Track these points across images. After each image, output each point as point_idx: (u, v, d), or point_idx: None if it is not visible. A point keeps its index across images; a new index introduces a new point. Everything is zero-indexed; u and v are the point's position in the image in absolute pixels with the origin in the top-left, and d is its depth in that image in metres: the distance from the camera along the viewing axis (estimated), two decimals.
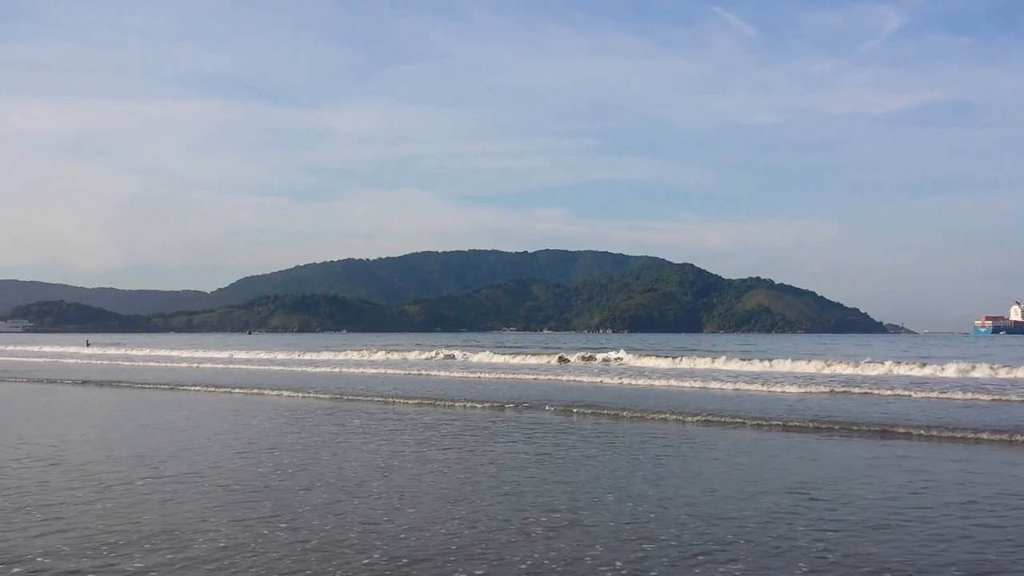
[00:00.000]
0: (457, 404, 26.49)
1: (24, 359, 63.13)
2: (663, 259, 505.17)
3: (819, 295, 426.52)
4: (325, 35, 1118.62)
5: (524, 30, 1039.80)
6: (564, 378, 38.76)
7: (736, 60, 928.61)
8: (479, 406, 25.72)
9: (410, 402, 27.18)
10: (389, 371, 44.92)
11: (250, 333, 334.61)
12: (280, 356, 62.39)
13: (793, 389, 31.00)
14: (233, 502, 11.67)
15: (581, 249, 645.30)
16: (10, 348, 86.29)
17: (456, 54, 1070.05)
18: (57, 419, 22.87)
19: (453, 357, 56.68)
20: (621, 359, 51.01)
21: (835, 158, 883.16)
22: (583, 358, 51.93)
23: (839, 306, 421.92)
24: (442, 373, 42.60)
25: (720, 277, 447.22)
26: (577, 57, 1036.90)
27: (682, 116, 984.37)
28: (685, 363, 46.30)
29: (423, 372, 43.46)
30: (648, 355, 52.52)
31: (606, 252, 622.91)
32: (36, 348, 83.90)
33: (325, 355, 62.70)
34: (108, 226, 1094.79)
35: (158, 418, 22.95)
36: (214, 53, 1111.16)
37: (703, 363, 45.72)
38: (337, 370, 46.68)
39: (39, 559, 8.86)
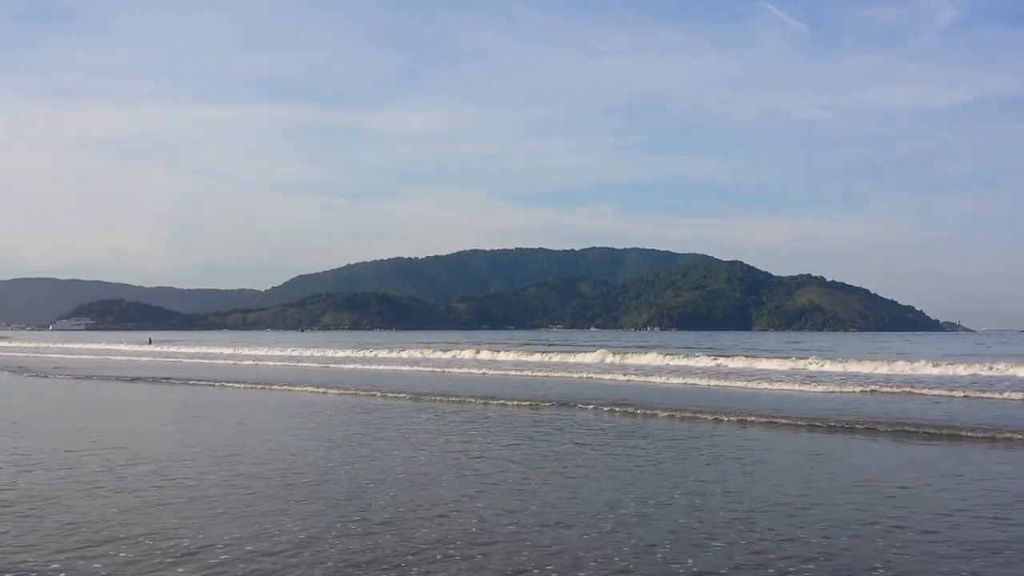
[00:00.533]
0: (499, 402, 26.58)
1: (103, 357, 63.99)
2: (711, 256, 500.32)
3: (872, 292, 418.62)
4: (377, 38, 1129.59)
5: (571, 29, 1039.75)
6: (607, 377, 38.54)
7: (785, 55, 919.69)
8: (520, 404, 25.76)
9: (477, 401, 27.24)
10: (448, 370, 45.09)
11: (303, 331, 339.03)
12: (349, 354, 62.94)
13: (846, 389, 30.61)
14: (310, 496, 11.95)
15: (628, 247, 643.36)
16: (81, 346, 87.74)
17: (504, 54, 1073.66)
18: (141, 415, 23.41)
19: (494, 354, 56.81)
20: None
21: (889, 153, 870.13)
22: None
23: (893, 303, 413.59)
24: (494, 372, 42.79)
25: (770, 274, 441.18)
26: (624, 55, 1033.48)
27: (731, 112, 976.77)
28: (733, 362, 45.50)
29: (478, 371, 43.67)
30: (694, 354, 51.93)
31: (653, 249, 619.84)
32: (108, 346, 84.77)
33: (382, 353, 63.10)
34: (167, 227, 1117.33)
35: (231, 414, 23.49)
36: (270, 57, 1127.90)
37: (748, 363, 44.94)
38: (406, 368, 46.91)
39: (121, 554, 9.09)
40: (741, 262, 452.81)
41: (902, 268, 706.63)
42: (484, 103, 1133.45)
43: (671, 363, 46.39)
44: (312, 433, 19.26)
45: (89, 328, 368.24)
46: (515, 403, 26.25)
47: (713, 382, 34.11)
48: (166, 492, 12.19)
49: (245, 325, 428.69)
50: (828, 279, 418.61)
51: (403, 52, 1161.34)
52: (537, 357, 51.87)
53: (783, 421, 21.28)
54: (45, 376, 42.25)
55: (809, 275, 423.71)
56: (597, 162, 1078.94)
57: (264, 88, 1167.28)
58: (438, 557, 8.94)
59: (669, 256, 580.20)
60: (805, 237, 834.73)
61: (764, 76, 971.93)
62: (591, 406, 24.74)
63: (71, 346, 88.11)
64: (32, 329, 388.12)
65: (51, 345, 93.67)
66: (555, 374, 40.64)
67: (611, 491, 12.43)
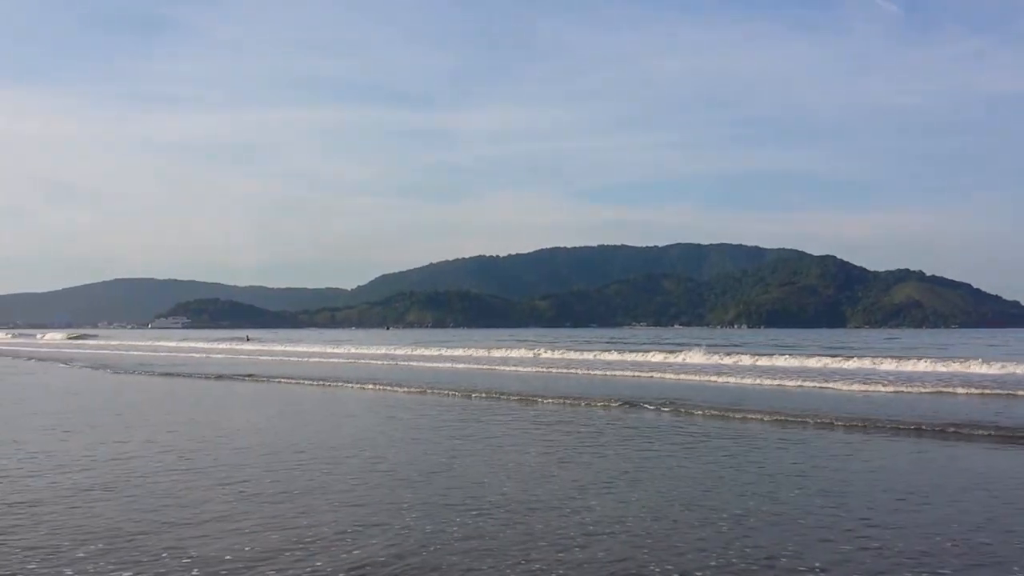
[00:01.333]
0: (584, 402, 26.45)
1: (206, 355, 65.76)
2: (802, 251, 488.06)
3: (975, 287, 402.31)
4: (453, 37, 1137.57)
5: (652, 20, 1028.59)
6: (687, 377, 37.94)
7: (879, 41, 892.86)
8: (601, 404, 25.53)
9: (548, 400, 27.23)
10: (538, 369, 45.15)
11: (388, 328, 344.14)
12: (441, 352, 63.43)
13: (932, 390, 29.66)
14: (426, 488, 12.28)
15: (713, 242, 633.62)
16: (192, 344, 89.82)
17: (583, 48, 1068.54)
18: (261, 411, 24.20)
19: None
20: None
21: (991, 141, 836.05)
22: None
23: (997, 299, 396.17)
24: (578, 371, 42.67)
25: (865, 269, 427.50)
26: (707, 45, 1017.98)
27: (821, 101, 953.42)
28: (847, 363, 43.42)
29: (561, 370, 43.62)
30: (784, 353, 50.58)
31: (740, 245, 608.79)
32: (210, 345, 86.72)
33: (471, 351, 63.46)
34: (257, 228, 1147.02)
35: (337, 411, 24.04)
36: (351, 60, 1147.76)
37: (853, 363, 43.32)
38: (513, 369, 46.83)
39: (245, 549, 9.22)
40: (834, 257, 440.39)
41: (1008, 261, 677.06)
42: (564, 99, 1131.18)
43: (784, 364, 44.86)
44: (413, 429, 19.78)
45: (185, 326, 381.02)
46: (603, 403, 26.12)
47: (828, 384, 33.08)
48: (279, 484, 12.65)
49: (333, 323, 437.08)
50: (928, 273, 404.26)
51: (480, 50, 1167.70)
52: (632, 356, 51.05)
53: (887, 424, 20.66)
54: (208, 379, 43.00)
55: (907, 269, 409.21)
56: (681, 156, 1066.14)
57: (346, 90, 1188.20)
58: (559, 555, 8.99)
59: (757, 252, 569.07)
60: (902, 230, 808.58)
61: (856, 63, 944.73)
62: (662, 408, 24.37)
63: (189, 344, 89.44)
64: (132, 327, 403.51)
65: (179, 343, 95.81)
66: (647, 373, 40.21)
67: (714, 490, 12.40)
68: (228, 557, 8.83)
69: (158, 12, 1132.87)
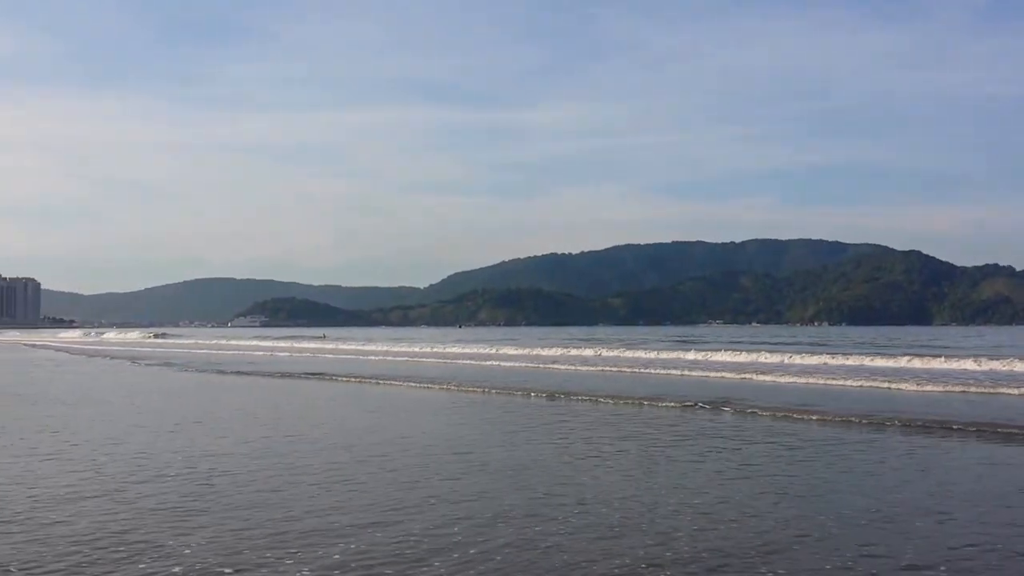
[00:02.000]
0: (655, 403, 24.21)
1: (295, 355, 64.61)
2: (885, 246, 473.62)
3: None
4: (525, 35, 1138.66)
5: (723, 12, 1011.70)
6: (757, 377, 34.95)
7: (962, 28, 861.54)
8: (684, 404, 23.33)
9: (670, 403, 24.85)
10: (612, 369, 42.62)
11: (460, 327, 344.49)
12: (514, 351, 61.44)
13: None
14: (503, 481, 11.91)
15: (792, 238, 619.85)
16: (274, 344, 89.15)
17: (655, 43, 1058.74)
18: (348, 410, 23.48)
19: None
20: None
21: None
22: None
23: None
24: (658, 371, 40.03)
25: (952, 264, 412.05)
26: (783, 36, 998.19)
27: (902, 92, 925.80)
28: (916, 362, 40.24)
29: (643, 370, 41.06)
30: (872, 353, 46.92)
31: (820, 240, 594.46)
32: (288, 344, 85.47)
33: (555, 351, 61.41)
34: (332, 228, 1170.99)
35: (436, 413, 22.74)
36: (422, 59, 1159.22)
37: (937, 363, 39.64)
38: (600, 368, 44.49)
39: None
40: (918, 252, 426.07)
41: None
42: (637, 95, 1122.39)
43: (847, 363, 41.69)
44: (501, 428, 18.96)
45: (263, 325, 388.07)
46: (686, 404, 23.82)
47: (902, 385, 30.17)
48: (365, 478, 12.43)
49: (406, 321, 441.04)
50: (1018, 268, 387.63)
51: (550, 48, 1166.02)
52: (718, 355, 47.73)
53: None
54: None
55: (996, 264, 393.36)
56: (756, 150, 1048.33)
57: (416, 90, 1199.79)
58: (668, 555, 8.69)
59: (838, 247, 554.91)
60: (990, 224, 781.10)
61: (939, 52, 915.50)
62: (726, 409, 22.35)
63: (272, 344, 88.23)
64: (212, 326, 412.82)
65: (260, 342, 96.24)
66: (716, 374, 37.29)
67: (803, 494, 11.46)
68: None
69: (235, 18, 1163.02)
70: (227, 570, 8.01)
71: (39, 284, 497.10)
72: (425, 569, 8.07)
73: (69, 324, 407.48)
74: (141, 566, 8.12)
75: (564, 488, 11.88)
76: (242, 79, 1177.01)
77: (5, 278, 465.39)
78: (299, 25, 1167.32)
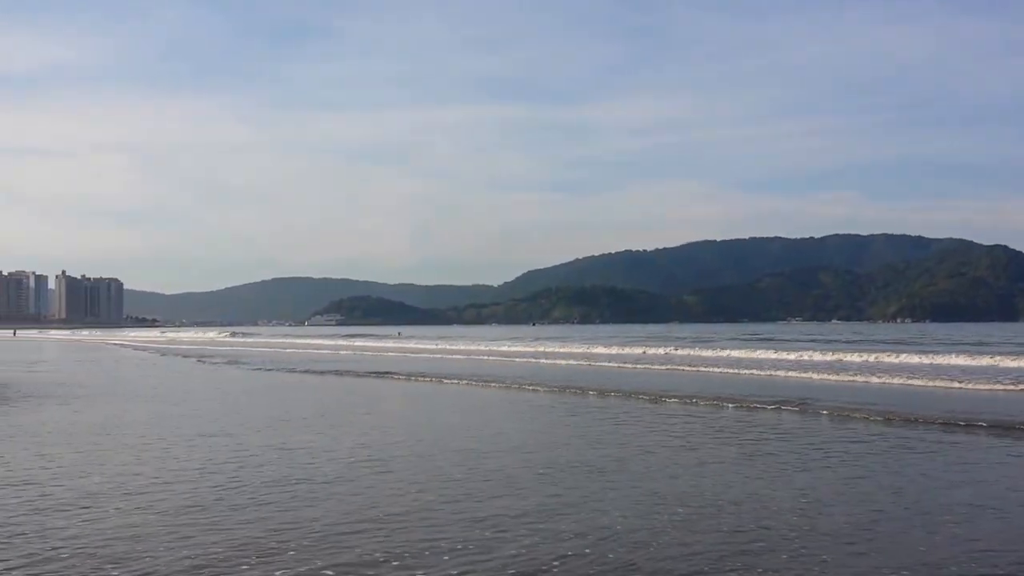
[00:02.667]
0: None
1: (401, 355, 62.73)
2: (970, 241, 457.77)
3: None
4: (595, 31, 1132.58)
5: (802, 5, 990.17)
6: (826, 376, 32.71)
7: None
8: (771, 407, 21.62)
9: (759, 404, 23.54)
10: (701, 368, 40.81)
11: (533, 324, 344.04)
12: (604, 350, 60.10)
13: None
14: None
15: (874, 233, 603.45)
16: (357, 343, 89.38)
17: (729, 36, 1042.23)
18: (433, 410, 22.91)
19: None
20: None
21: None
22: None
23: None
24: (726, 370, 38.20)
25: None
26: (862, 26, 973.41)
27: (988, 83, 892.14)
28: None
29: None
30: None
31: (903, 235, 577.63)
32: (366, 343, 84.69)
33: (615, 348, 60.07)
34: (407, 227, 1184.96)
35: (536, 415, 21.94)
36: (493, 57, 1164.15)
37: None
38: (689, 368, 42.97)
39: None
40: (1005, 246, 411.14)
41: None
42: (711, 89, 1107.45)
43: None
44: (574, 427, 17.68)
45: (339, 323, 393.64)
46: (772, 406, 22.46)
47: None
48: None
49: (480, 319, 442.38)
50: None
51: (622, 43, 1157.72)
52: (804, 354, 45.26)
53: None
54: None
55: None
56: (837, 143, 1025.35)
57: (490, 88, 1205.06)
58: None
59: (921, 242, 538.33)
60: None
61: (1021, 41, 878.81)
62: (787, 409, 20.85)
63: (356, 343, 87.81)
64: (290, 325, 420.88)
65: (342, 341, 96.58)
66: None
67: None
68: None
69: (313, 20, 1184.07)
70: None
71: (122, 284, 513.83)
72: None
73: (151, 323, 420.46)
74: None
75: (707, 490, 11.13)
76: (319, 80, 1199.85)
77: (89, 278, 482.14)
78: (375, 25, 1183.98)
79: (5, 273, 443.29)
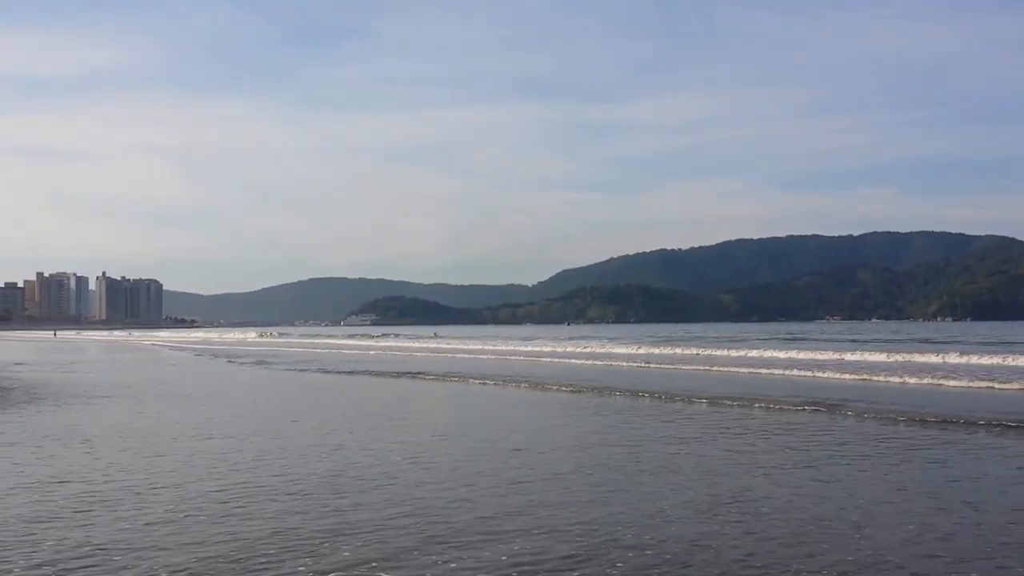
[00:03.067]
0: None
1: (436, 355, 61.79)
2: (1013, 238, 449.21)
3: None
4: (631, 28, 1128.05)
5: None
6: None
7: None
8: (806, 409, 21.13)
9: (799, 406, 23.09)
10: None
11: (568, 324, 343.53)
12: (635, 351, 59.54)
13: None
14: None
15: (913, 230, 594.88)
16: (398, 344, 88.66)
17: (767, 32, 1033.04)
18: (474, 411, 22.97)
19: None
20: None
21: None
22: None
23: None
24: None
25: None
26: (904, 20, 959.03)
27: None
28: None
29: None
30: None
31: (943, 232, 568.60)
32: (408, 343, 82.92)
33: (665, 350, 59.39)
34: (440, 227, 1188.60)
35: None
36: (527, 57, 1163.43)
37: None
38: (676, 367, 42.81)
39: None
40: None
41: None
42: (745, 85, 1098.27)
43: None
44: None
45: (374, 323, 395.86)
46: (806, 408, 22.20)
47: None
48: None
49: (514, 319, 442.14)
50: None
51: (656, 40, 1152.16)
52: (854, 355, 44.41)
53: None
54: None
55: None
56: (875, 140, 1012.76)
57: (522, 88, 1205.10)
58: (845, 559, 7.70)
59: (961, 239, 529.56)
60: None
61: None
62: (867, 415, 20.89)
63: (396, 343, 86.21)
64: (326, 325, 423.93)
65: (378, 342, 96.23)
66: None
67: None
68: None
69: (351, 21, 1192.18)
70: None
71: (161, 285, 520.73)
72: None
73: (190, 324, 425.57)
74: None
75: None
76: (356, 81, 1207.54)
77: (129, 280, 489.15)
78: (412, 26, 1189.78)
79: (47, 275, 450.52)
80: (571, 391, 27.44)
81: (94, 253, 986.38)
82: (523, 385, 29.98)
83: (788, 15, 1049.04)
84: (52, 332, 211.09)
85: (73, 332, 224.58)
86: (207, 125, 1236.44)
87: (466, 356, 55.96)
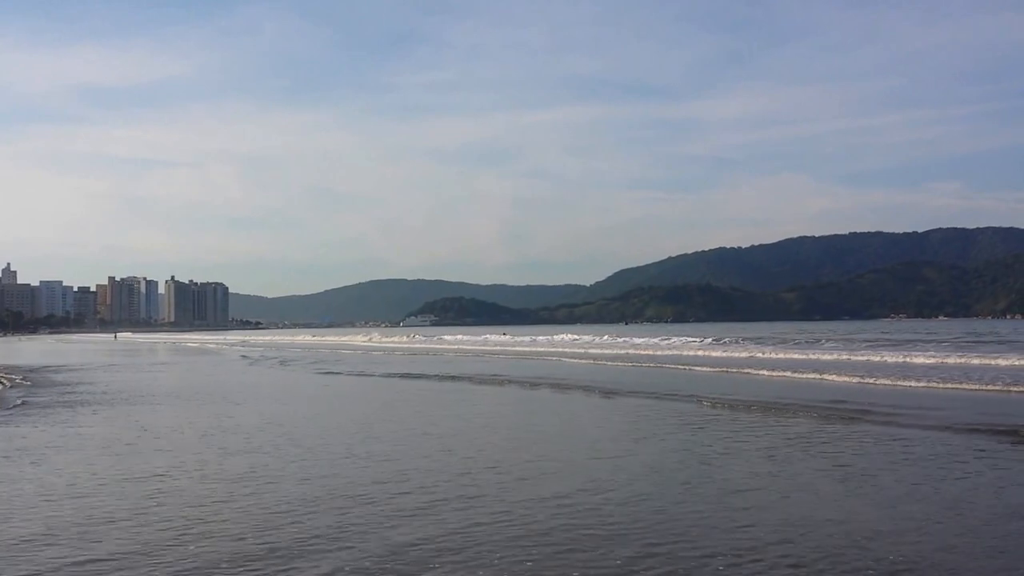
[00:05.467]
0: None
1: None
2: None
3: None
4: (697, 24, 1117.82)
5: None
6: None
7: None
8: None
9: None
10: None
11: (626, 324, 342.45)
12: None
13: None
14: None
15: (981, 226, 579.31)
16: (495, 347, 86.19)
17: (835, 26, 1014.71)
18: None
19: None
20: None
21: None
22: None
23: None
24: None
25: None
26: (973, 13, 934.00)
27: None
28: None
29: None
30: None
31: (1011, 228, 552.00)
32: (484, 347, 75.79)
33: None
34: (500, 227, 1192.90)
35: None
36: (586, 57, 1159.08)
37: None
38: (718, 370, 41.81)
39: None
40: None
41: None
42: (809, 81, 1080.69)
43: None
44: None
45: (434, 324, 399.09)
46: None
47: None
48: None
49: (572, 319, 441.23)
50: None
51: (721, 37, 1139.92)
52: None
53: None
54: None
55: None
56: (941, 134, 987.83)
57: (583, 89, 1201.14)
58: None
59: None
60: None
61: None
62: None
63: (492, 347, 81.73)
64: (386, 326, 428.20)
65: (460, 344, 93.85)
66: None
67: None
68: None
69: (413, 28, 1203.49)
70: None
71: (227, 288, 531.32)
72: None
73: (255, 326, 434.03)
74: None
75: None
76: (415, 87, 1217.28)
77: (197, 283, 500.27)
78: (474, 30, 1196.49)
79: (118, 279, 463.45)
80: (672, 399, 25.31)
81: (164, 257, 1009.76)
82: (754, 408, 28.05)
83: (851, 8, 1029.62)
84: (112, 335, 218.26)
85: (128, 333, 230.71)
86: (276, 132, 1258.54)
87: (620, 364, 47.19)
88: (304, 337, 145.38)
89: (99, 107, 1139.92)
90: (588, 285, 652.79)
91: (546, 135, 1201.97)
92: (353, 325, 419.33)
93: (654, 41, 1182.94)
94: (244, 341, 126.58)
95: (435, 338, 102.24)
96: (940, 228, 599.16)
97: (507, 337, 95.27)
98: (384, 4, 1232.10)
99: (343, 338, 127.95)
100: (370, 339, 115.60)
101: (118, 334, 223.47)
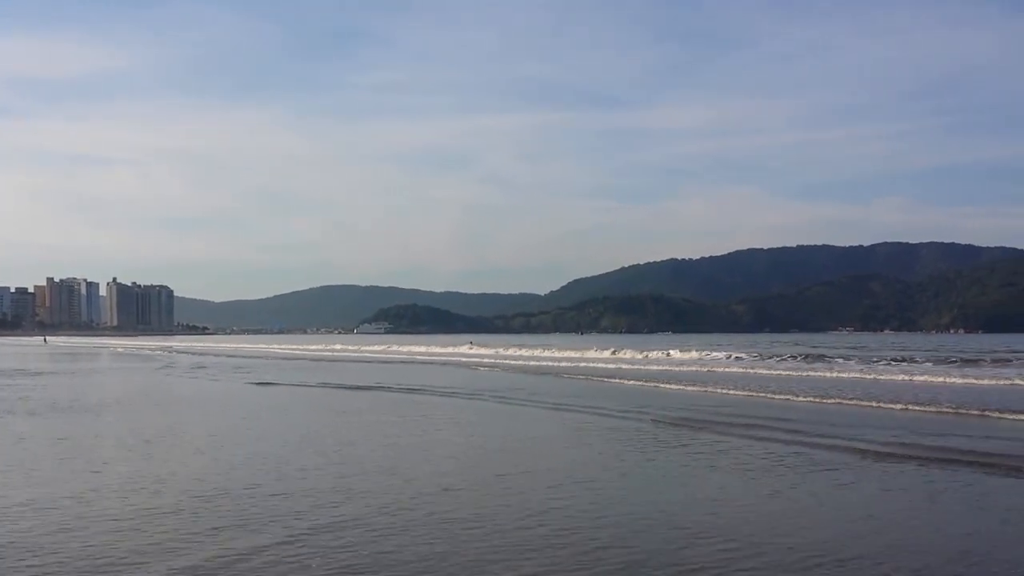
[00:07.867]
0: None
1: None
2: (1021, 250, 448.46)
3: None
4: (645, 35, 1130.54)
5: (857, 7, 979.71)
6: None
7: None
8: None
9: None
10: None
11: (581, 334, 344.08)
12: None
13: None
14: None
15: (924, 240, 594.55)
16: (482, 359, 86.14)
17: (783, 38, 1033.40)
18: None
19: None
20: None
21: None
22: None
23: None
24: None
25: None
26: (919, 29, 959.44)
27: None
28: None
29: None
30: None
31: (953, 243, 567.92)
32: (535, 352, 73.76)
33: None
34: (453, 234, 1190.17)
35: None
36: (539, 63, 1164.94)
37: None
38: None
39: None
40: None
41: None
42: (759, 94, 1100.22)
43: None
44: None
45: (387, 331, 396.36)
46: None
47: None
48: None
49: (528, 328, 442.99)
50: None
51: (674, 46, 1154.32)
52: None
53: None
54: None
55: None
56: (887, 149, 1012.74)
57: (537, 95, 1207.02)
58: None
59: (972, 250, 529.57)
60: None
61: None
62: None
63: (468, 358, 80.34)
64: (339, 332, 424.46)
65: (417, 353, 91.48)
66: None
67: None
68: None
69: (363, 27, 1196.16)
70: None
71: (172, 291, 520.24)
72: None
73: (201, 331, 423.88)
74: None
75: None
76: (364, 87, 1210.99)
77: (140, 285, 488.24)
78: (425, 32, 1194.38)
79: (57, 280, 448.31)
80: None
81: (104, 257, 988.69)
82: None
83: (803, 20, 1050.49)
84: (42, 338, 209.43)
85: (62, 338, 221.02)
86: (220, 131, 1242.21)
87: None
88: (269, 346, 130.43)
89: (31, 99, 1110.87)
90: (543, 294, 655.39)
91: (499, 140, 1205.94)
92: (305, 332, 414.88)
93: (606, 48, 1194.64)
94: (190, 348, 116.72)
95: (405, 350, 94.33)
96: (885, 242, 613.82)
97: (475, 349, 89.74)
98: (329, 1, 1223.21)
99: (312, 346, 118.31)
100: (358, 349, 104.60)
101: (48, 338, 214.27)
